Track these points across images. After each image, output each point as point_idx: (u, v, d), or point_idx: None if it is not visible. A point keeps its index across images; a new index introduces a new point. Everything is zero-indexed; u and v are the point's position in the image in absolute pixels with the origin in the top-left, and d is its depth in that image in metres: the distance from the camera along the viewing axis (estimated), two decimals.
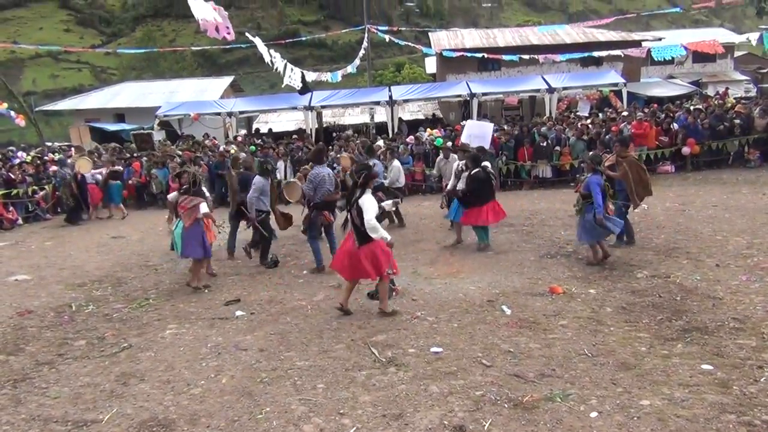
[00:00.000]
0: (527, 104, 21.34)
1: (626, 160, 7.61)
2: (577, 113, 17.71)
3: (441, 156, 10.89)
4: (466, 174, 8.02)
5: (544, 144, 13.95)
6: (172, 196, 7.28)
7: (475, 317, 5.42)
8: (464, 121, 16.85)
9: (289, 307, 6.13)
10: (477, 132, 10.13)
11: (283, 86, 17.30)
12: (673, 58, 21.22)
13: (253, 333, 5.39)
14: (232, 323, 5.73)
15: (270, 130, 22.28)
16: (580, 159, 12.73)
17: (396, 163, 9.97)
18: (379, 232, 5.42)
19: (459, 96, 18.76)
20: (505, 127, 15.77)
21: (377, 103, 18.87)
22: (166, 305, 6.51)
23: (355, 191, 5.58)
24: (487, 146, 10.27)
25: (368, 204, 5.44)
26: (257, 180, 8.02)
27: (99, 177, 13.84)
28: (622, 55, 19.81)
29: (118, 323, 6.00)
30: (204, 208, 7.08)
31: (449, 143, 12.64)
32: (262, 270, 7.86)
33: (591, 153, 7.56)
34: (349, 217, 5.64)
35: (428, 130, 15.82)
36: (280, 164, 15.05)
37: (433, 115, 23.03)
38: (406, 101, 19.02)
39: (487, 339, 4.88)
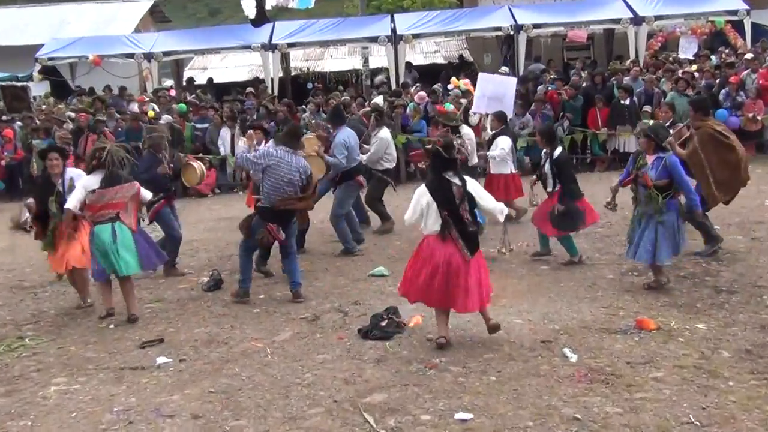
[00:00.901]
0: (601, 42, 21.28)
1: (699, 131, 7.61)
2: (678, 56, 17.67)
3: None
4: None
5: (627, 102, 13.94)
6: (74, 202, 6.88)
7: (522, 367, 5.41)
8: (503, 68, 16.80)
9: (239, 351, 6.12)
10: (492, 91, 10.15)
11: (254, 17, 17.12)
12: None
13: (182, 391, 5.37)
14: (152, 375, 5.71)
15: (210, 80, 22.24)
16: (638, 130, 12.79)
17: (384, 133, 9.91)
18: (504, 209, 6.07)
19: (498, 29, 18.70)
20: (573, 77, 15.71)
21: (374, 39, 18.79)
22: (50, 348, 6.49)
23: (449, 177, 5.76)
24: (509, 111, 10.27)
25: (479, 189, 5.94)
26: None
27: None
28: None
29: None
30: (146, 193, 7.15)
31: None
32: (196, 295, 7.85)
33: (652, 123, 7.59)
34: (449, 219, 5.70)
35: (452, 80, 15.79)
36: (225, 133, 15.04)
37: (461, 57, 22.98)
38: (417, 37, 18.92)
39: (542, 400, 4.87)
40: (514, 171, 9.77)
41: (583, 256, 8.12)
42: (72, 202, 6.96)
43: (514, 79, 12.20)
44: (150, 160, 8.47)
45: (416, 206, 5.84)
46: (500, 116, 9.60)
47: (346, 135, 9.18)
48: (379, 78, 19.02)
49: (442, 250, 5.75)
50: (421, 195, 5.81)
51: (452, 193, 5.73)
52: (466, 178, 5.86)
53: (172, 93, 18.23)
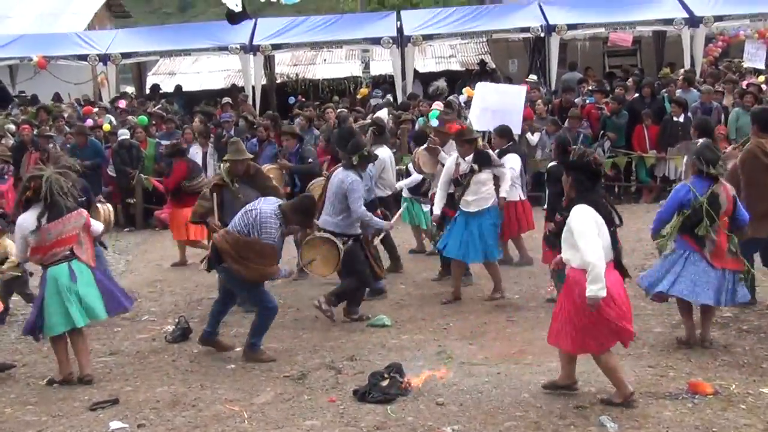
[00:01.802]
0: (650, 47, 21.45)
1: (746, 148, 7.71)
2: (742, 63, 17.76)
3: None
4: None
5: (681, 119, 14.03)
6: (20, 253, 6.89)
7: None
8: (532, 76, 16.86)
9: (210, 415, 6.13)
10: (498, 103, 10.15)
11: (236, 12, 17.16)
12: None
13: None
14: None
15: (178, 88, 22.39)
16: (680, 148, 12.81)
17: (383, 152, 9.84)
18: None
19: (526, 30, 18.93)
20: (616, 88, 15.77)
21: (376, 41, 18.99)
22: None
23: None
24: (516, 128, 10.30)
25: None
26: (350, 179, 8.07)
27: None
28: None
29: None
30: (98, 225, 7.21)
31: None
32: (159, 346, 7.91)
33: (702, 141, 7.61)
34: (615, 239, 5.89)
35: (466, 89, 15.96)
36: (196, 151, 15.05)
37: (482, 62, 23.18)
38: (428, 39, 19.11)
39: None
40: (523, 198, 9.79)
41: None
42: (19, 254, 7.03)
43: (523, 88, 12.23)
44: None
45: (595, 231, 5.72)
46: (504, 131, 9.58)
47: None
48: (440, 84, 18.46)
49: (617, 275, 5.90)
50: (594, 217, 5.76)
51: (612, 211, 5.95)
52: None
53: (122, 104, 18.16)
